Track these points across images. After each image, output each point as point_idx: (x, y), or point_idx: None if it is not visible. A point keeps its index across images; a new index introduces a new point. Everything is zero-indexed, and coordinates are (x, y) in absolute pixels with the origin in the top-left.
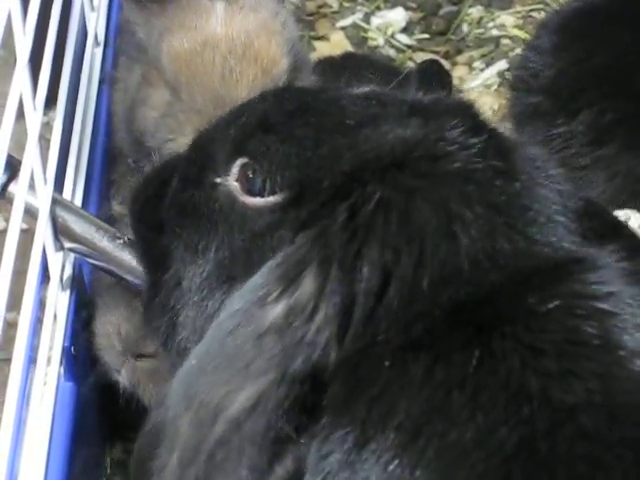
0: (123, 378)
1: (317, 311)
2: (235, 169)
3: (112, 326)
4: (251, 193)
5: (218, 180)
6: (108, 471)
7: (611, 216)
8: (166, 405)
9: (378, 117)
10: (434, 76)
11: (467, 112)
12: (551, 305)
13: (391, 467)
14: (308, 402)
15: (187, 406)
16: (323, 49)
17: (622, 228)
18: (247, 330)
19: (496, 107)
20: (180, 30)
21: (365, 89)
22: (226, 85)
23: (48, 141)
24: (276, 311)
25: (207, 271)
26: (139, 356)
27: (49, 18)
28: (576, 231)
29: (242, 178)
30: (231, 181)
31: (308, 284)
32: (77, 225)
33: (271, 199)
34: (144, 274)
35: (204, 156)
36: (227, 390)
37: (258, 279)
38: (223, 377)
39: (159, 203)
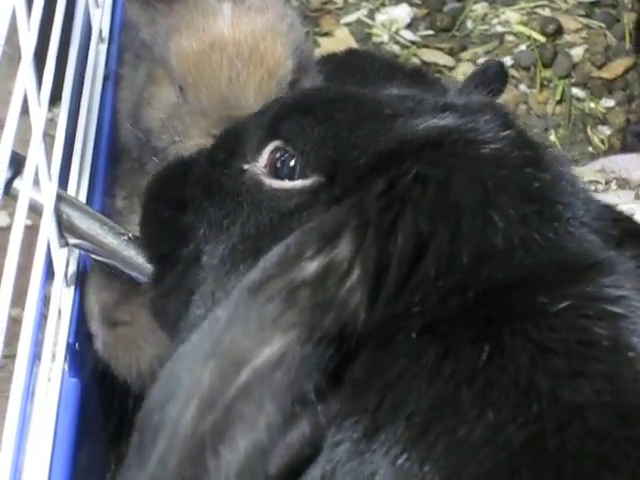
0: (99, 346)
1: (351, 272)
2: (266, 154)
3: (91, 295)
4: (279, 177)
5: (246, 166)
6: (113, 467)
7: (634, 223)
8: (185, 356)
9: (414, 111)
10: (494, 77)
11: (498, 111)
12: (561, 305)
13: (400, 461)
14: (331, 366)
15: (210, 355)
16: (327, 45)
17: None
18: (280, 283)
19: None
20: (188, 31)
21: (402, 90)
22: (233, 89)
23: (52, 137)
24: (311, 267)
25: (231, 245)
26: (115, 324)
27: (53, 14)
28: (598, 233)
29: (271, 162)
30: (259, 167)
31: (344, 246)
32: (81, 221)
33: (299, 182)
34: (153, 258)
35: (234, 142)
36: (254, 341)
37: (292, 239)
38: (251, 328)
39: (181, 182)
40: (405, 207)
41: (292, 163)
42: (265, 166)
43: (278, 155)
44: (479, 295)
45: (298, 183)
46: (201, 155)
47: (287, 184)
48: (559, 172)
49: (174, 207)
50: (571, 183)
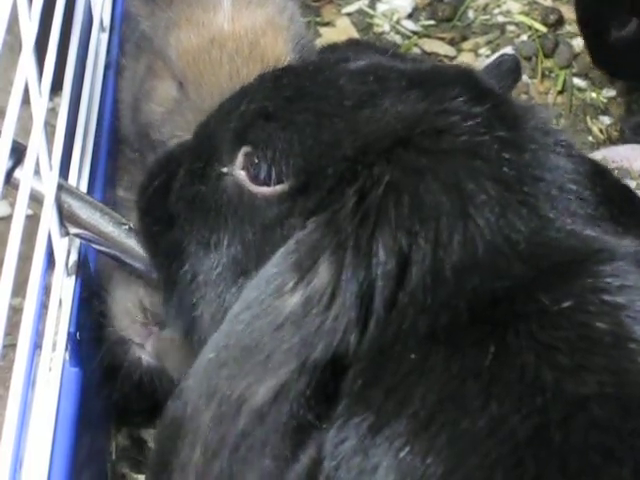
0: (148, 352)
1: (334, 298)
2: (240, 158)
3: (132, 301)
4: (258, 182)
5: (224, 170)
6: (113, 457)
7: (618, 180)
8: (184, 399)
9: (377, 94)
10: (507, 72)
11: (468, 80)
12: (564, 305)
13: (402, 454)
14: (329, 389)
15: (208, 400)
16: (329, 35)
17: (631, 194)
18: (265, 322)
19: None
20: (188, 25)
21: (362, 63)
22: (233, 85)
23: (54, 127)
24: (293, 301)
25: (221, 266)
26: (163, 325)
27: (54, 3)
28: (589, 200)
29: (248, 166)
30: (237, 170)
31: (323, 272)
32: (82, 211)
33: (278, 188)
34: (157, 272)
35: (208, 147)
36: (248, 382)
37: (272, 268)
38: (243, 370)
39: (166, 197)
40: (381, 221)
41: (265, 169)
42: (242, 169)
43: (251, 160)
44: (478, 300)
45: (277, 188)
46: (180, 163)
47: (266, 190)
48: (540, 145)
49: (163, 223)
50: (555, 152)
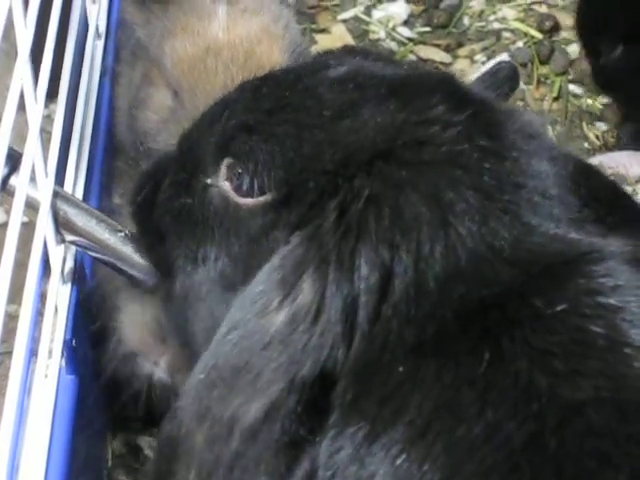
0: (162, 368)
1: (320, 315)
2: (223, 169)
3: (148, 316)
4: (241, 193)
5: (209, 181)
6: (110, 464)
7: (604, 177)
8: (179, 419)
9: (356, 103)
10: (504, 79)
11: (448, 87)
12: (558, 308)
13: (399, 461)
14: (320, 403)
15: (200, 421)
16: (324, 42)
17: (618, 191)
18: (252, 341)
19: None
20: (183, 34)
21: (342, 69)
22: None
23: (49, 134)
24: (278, 320)
25: (210, 281)
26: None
27: (50, 10)
28: (573, 203)
29: (231, 177)
30: (221, 181)
31: (307, 289)
32: (78, 218)
33: (262, 199)
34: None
35: (192, 158)
36: (239, 403)
37: (257, 286)
38: (233, 390)
39: (152, 211)
40: (362, 235)
41: (248, 180)
42: (226, 179)
43: (234, 171)
44: (466, 308)
45: (260, 200)
46: (165, 175)
47: (250, 201)
48: (522, 151)
49: (154, 237)
50: (537, 157)
